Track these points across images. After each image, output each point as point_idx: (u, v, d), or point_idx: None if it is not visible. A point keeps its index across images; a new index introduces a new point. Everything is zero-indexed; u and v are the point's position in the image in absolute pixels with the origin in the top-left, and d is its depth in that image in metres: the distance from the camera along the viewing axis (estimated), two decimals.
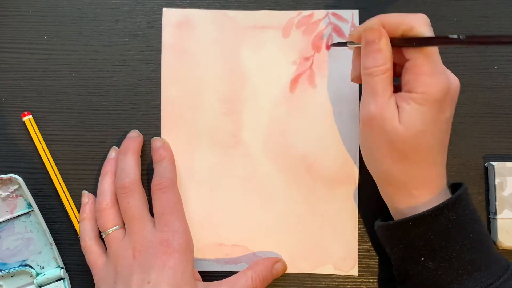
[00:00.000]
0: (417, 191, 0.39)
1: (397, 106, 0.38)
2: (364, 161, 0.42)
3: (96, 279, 0.42)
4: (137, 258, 0.40)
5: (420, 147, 0.38)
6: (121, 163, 0.44)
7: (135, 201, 0.42)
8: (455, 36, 0.34)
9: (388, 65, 0.38)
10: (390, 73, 0.38)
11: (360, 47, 0.40)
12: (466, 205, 0.38)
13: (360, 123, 0.40)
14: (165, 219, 0.41)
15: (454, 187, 0.42)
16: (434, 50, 0.37)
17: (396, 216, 0.41)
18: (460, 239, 0.37)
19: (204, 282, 0.41)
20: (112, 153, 0.46)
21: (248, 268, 0.43)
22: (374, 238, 0.46)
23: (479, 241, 0.38)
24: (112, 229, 0.43)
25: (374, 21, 0.38)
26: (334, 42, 0.46)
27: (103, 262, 0.43)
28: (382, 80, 0.38)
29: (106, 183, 0.44)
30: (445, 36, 0.35)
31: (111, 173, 0.45)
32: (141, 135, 0.46)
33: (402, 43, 0.38)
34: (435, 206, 0.37)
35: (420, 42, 0.37)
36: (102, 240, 0.44)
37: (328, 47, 0.46)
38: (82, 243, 0.44)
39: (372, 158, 0.41)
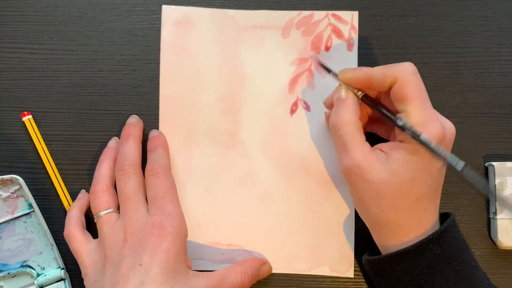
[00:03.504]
0: (407, 238, 0.38)
1: (386, 154, 0.38)
2: (355, 207, 0.43)
3: (82, 266, 0.42)
4: (128, 241, 0.39)
5: (410, 195, 0.37)
6: (122, 148, 0.44)
7: (132, 182, 0.42)
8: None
9: (351, 118, 0.39)
10: (354, 125, 0.38)
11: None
12: (452, 237, 0.38)
13: (342, 174, 0.40)
14: (158, 203, 0.41)
15: (443, 216, 0.41)
16: (423, 99, 0.37)
17: (384, 252, 0.41)
18: (445, 273, 0.37)
19: (195, 271, 0.41)
20: (112, 141, 0.46)
21: (237, 264, 0.43)
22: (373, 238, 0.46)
23: (466, 273, 0.37)
24: (104, 212, 0.42)
25: (360, 73, 0.39)
26: (323, 64, 0.45)
27: (90, 248, 0.42)
28: (347, 132, 0.38)
29: (103, 168, 0.44)
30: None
31: (110, 159, 0.45)
32: (141, 120, 0.46)
33: (372, 106, 0.39)
34: (419, 241, 0.37)
35: (382, 112, 0.38)
36: (94, 236, 0.44)
37: (327, 49, 0.46)
38: (65, 231, 0.43)
39: (360, 206, 0.41)
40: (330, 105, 0.43)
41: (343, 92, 0.40)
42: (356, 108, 0.39)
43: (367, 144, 0.39)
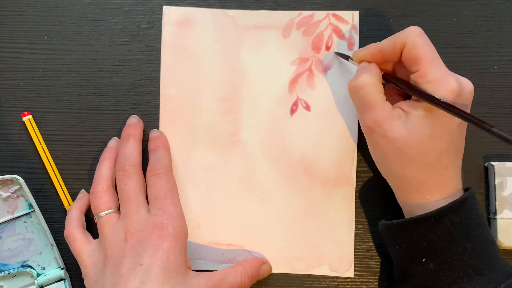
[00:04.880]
0: (430, 196, 0.39)
1: (405, 112, 0.39)
2: (377, 167, 0.43)
3: (82, 266, 0.42)
4: (129, 241, 0.39)
5: (430, 151, 0.38)
6: (122, 149, 0.44)
7: (133, 183, 0.42)
8: (437, 97, 0.37)
9: (371, 79, 0.40)
10: (374, 86, 0.40)
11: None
12: (471, 209, 0.38)
13: (364, 133, 0.42)
14: (159, 203, 0.41)
15: (465, 191, 0.41)
16: (434, 58, 0.38)
17: (407, 212, 0.41)
18: (462, 242, 0.37)
19: (194, 272, 0.41)
20: (112, 141, 0.46)
21: (237, 264, 0.43)
22: (374, 238, 0.46)
23: (483, 245, 0.38)
24: (104, 212, 0.42)
25: (371, 49, 0.41)
26: (339, 51, 0.46)
27: (90, 248, 0.42)
28: (368, 93, 0.39)
29: (103, 168, 0.44)
30: (431, 96, 0.37)
31: (110, 159, 0.45)
32: (141, 121, 0.46)
33: (389, 81, 0.41)
34: (439, 208, 0.38)
35: (401, 84, 0.40)
36: (93, 236, 0.44)
37: (328, 48, 0.46)
38: (65, 231, 0.43)
39: (383, 164, 0.42)
40: (357, 60, 0.44)
41: (365, 62, 0.42)
42: (377, 73, 0.40)
43: (387, 103, 0.39)
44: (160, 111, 0.47)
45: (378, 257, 0.46)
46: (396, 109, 0.39)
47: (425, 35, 0.39)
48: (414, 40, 0.38)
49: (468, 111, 0.40)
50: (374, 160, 0.43)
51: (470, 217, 0.38)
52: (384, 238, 0.43)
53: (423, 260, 0.38)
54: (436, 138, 0.38)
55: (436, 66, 0.38)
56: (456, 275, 0.37)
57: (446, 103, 0.36)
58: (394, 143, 0.39)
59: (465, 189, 0.41)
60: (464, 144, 0.41)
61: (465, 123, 0.39)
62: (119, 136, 0.46)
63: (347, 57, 0.44)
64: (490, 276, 0.37)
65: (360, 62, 0.42)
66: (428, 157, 0.38)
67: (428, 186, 0.39)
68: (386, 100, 0.40)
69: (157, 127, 0.47)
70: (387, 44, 0.40)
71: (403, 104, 0.39)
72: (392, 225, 0.40)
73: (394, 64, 0.42)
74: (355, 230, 0.46)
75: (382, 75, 0.41)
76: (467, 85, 0.39)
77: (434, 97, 0.37)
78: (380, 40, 0.41)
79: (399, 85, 0.40)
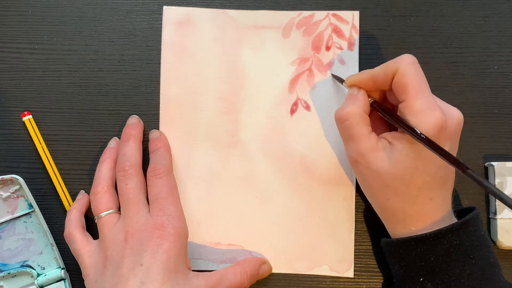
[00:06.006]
0: (415, 226, 0.39)
1: (390, 144, 0.38)
2: (365, 196, 0.43)
3: (82, 266, 0.42)
4: (129, 241, 0.39)
5: (412, 184, 0.38)
6: (122, 149, 0.44)
7: (133, 183, 0.42)
8: (417, 131, 0.36)
9: (356, 110, 0.39)
10: (358, 117, 0.39)
11: None
12: (473, 230, 0.38)
13: (350, 164, 0.42)
14: (160, 203, 0.41)
15: (466, 211, 0.41)
16: (422, 88, 0.37)
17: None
18: (461, 264, 0.37)
19: (194, 272, 0.41)
20: (112, 142, 0.46)
21: (237, 263, 0.43)
22: (374, 238, 0.46)
23: (483, 268, 0.37)
24: (105, 213, 0.42)
25: (363, 75, 0.41)
26: (335, 74, 0.46)
27: (90, 249, 0.42)
28: (352, 124, 0.39)
29: (104, 168, 0.44)
30: (412, 128, 0.36)
31: (110, 160, 0.45)
32: (141, 121, 0.46)
33: (376, 109, 0.40)
34: (439, 229, 0.37)
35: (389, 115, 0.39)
36: (94, 236, 0.44)
37: (328, 48, 0.46)
38: (65, 232, 0.43)
39: (368, 195, 0.42)
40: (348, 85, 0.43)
41: (355, 89, 0.41)
42: (364, 102, 0.40)
43: (373, 135, 0.39)
44: (160, 111, 0.47)
45: (378, 257, 0.46)
46: (382, 140, 0.39)
47: (418, 64, 0.38)
48: (405, 68, 0.37)
49: (457, 140, 0.39)
50: (362, 190, 0.43)
51: (471, 239, 0.38)
52: (386, 254, 0.43)
53: (421, 279, 0.38)
54: (420, 171, 0.37)
55: (422, 96, 0.37)
56: None
57: (426, 138, 0.35)
58: (377, 175, 0.38)
59: (470, 208, 0.41)
60: (454, 174, 0.40)
61: (453, 153, 0.39)
62: (119, 136, 0.46)
63: (342, 80, 0.44)
64: None
65: (351, 87, 0.42)
66: (411, 189, 0.38)
67: (412, 217, 0.39)
68: (374, 128, 0.40)
69: (157, 127, 0.47)
70: (379, 72, 0.39)
71: (389, 135, 0.39)
72: (392, 243, 0.40)
73: (385, 92, 0.42)
74: (355, 230, 0.46)
75: (371, 104, 0.41)
76: (455, 115, 0.38)
77: (416, 131, 0.36)
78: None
79: (385, 115, 0.39)
